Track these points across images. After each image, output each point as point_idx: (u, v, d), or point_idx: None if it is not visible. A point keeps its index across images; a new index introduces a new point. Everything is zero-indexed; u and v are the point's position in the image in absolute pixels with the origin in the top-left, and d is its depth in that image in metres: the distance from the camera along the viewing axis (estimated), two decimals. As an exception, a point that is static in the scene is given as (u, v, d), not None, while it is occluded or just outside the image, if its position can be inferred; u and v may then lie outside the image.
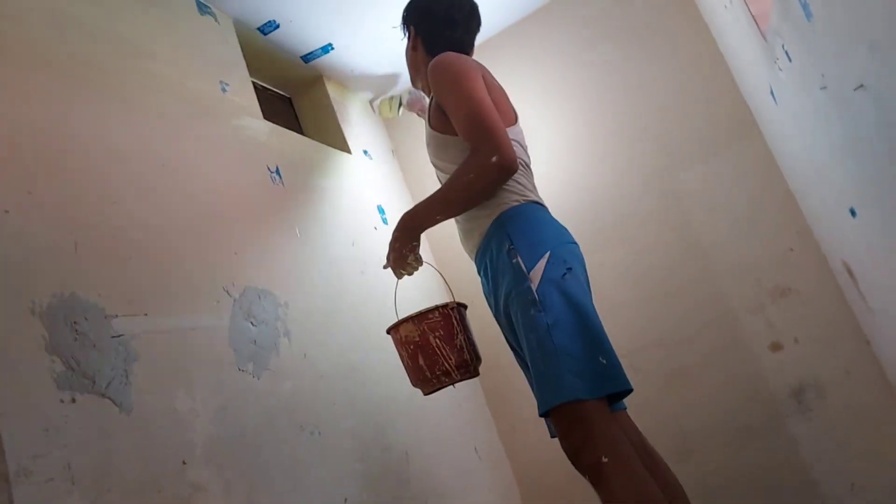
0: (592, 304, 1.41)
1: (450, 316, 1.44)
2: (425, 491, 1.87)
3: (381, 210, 2.48)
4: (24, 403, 0.95)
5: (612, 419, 1.28)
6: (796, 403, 2.20)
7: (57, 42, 1.36)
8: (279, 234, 1.80)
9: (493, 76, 1.60)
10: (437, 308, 1.44)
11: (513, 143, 1.42)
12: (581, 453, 1.25)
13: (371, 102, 2.82)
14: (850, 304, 2.12)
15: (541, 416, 1.32)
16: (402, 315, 1.46)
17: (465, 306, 1.52)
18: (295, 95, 2.58)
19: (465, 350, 1.43)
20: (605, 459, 1.22)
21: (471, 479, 2.17)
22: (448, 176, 1.55)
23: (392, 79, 2.72)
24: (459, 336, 1.43)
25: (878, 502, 2.06)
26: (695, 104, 2.39)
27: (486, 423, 2.49)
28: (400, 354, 1.48)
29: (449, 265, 2.42)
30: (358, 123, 2.65)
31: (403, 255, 1.46)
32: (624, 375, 1.33)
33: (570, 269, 1.38)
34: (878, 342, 2.02)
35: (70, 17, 1.44)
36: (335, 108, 2.52)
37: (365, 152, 2.60)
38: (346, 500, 1.55)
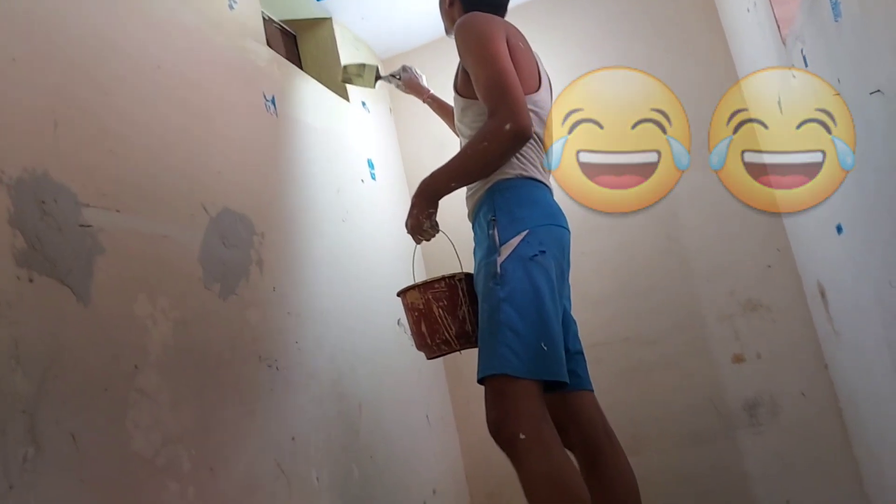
0: (557, 293, 1.40)
1: (456, 287, 1.45)
2: (373, 444, 1.85)
3: (370, 164, 2.44)
4: (-23, 271, 0.90)
5: (540, 403, 1.29)
6: (748, 417, 2.23)
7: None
8: (265, 163, 1.75)
9: (523, 38, 1.56)
10: (443, 278, 1.45)
11: (531, 112, 1.40)
12: (501, 427, 1.27)
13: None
14: (816, 326, 2.15)
15: (478, 382, 1.33)
16: (419, 279, 1.48)
17: (471, 275, 1.51)
18: (301, 33, 2.51)
19: (467, 321, 1.44)
20: (522, 436, 1.23)
21: (418, 442, 2.16)
22: (466, 138, 1.55)
23: (406, 33, 2.66)
24: (463, 307, 1.44)
25: (810, 523, 2.11)
26: (697, 104, 2.39)
27: (441, 392, 2.48)
28: (407, 318, 1.50)
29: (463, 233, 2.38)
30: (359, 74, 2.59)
31: (420, 221, 1.44)
32: (562, 368, 1.33)
33: (542, 251, 1.38)
34: (836, 367, 2.06)
35: None
36: (340, 53, 2.46)
37: (363, 104, 2.55)
38: (293, 438, 1.53)
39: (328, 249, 1.93)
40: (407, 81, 2.22)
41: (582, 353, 1.55)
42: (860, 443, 2.00)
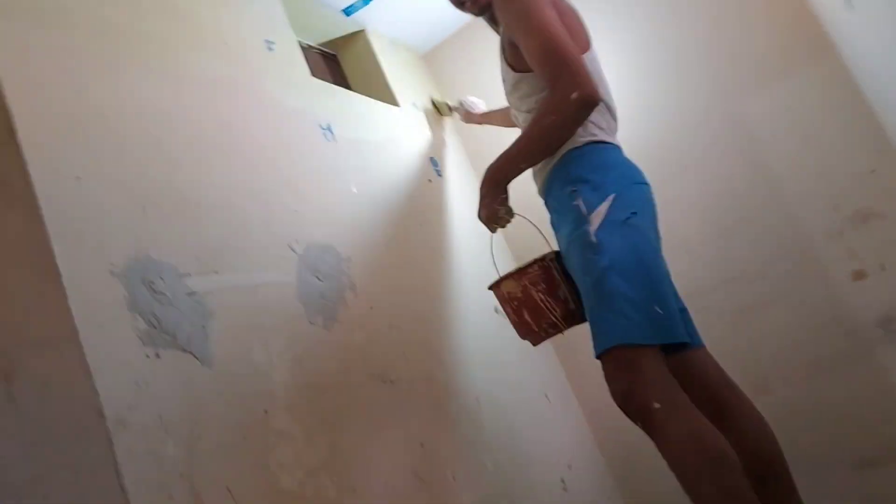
0: (658, 251, 1.35)
1: (549, 268, 1.42)
2: (499, 434, 1.89)
3: (434, 162, 2.45)
4: (114, 359, 0.99)
5: (663, 366, 1.24)
6: (884, 332, 2.09)
7: (98, 13, 1.36)
8: (336, 190, 1.80)
9: None
10: (535, 262, 1.43)
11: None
12: (630, 399, 1.22)
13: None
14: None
15: (596, 358, 1.29)
16: (501, 267, 1.49)
17: (560, 253, 1.50)
18: (340, 52, 2.56)
19: (569, 300, 1.41)
20: (656, 405, 1.18)
21: (543, 422, 2.18)
22: (523, 114, 1.50)
23: (437, 24, 2.65)
24: (562, 287, 1.41)
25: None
26: (758, 22, 2.24)
27: (554, 368, 2.48)
28: (504, 310, 1.49)
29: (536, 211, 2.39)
30: (405, 75, 2.61)
31: (494, 209, 1.43)
32: (680, 328, 1.27)
33: (634, 213, 1.33)
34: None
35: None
36: (380, 61, 2.49)
37: (413, 104, 2.57)
38: (422, 444, 1.58)
39: (412, 256, 1.98)
40: (466, 117, 2.46)
41: (686, 310, 1.50)
42: None
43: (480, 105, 2.46)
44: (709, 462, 1.15)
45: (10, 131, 0.94)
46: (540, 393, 2.26)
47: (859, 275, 2.12)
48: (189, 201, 1.31)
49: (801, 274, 2.18)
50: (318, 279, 1.54)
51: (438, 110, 2.64)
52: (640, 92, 2.40)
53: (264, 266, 1.41)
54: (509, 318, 1.50)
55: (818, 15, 2.12)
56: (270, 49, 1.84)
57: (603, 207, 1.31)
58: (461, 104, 2.49)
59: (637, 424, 1.23)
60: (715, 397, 1.39)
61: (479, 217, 1.49)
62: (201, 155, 1.40)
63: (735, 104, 2.28)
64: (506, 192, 1.45)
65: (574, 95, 1.25)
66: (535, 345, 1.50)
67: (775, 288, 2.20)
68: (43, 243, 0.94)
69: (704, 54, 2.32)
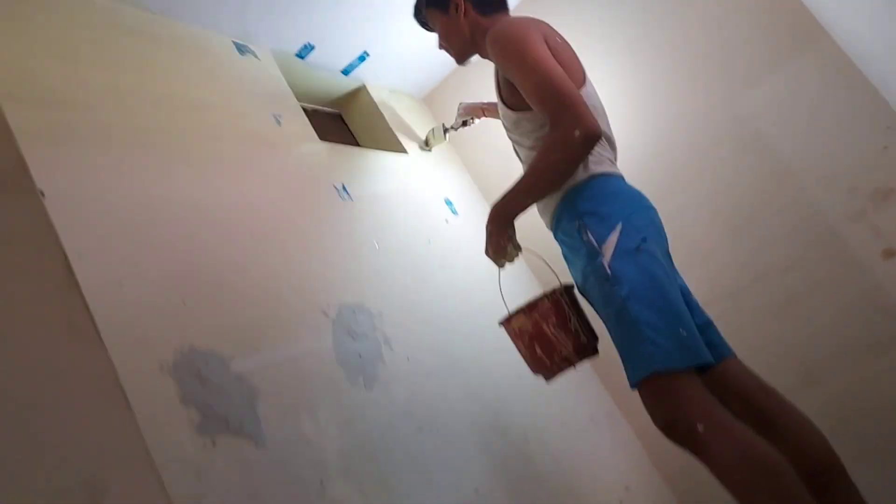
0: (671, 274, 1.36)
1: (559, 301, 1.43)
2: (550, 464, 1.89)
3: (448, 203, 2.50)
4: (174, 452, 1.04)
5: (702, 388, 1.24)
6: (924, 308, 2.06)
7: (121, 117, 1.45)
8: (358, 247, 1.85)
9: (555, 31, 1.52)
10: (545, 296, 1.44)
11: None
12: (674, 425, 1.22)
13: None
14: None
15: (632, 388, 1.30)
16: (510, 305, 1.48)
17: (571, 286, 1.52)
18: (343, 109, 2.64)
19: (580, 333, 1.42)
20: (700, 427, 1.18)
21: (594, 446, 2.17)
22: (526, 149, 1.53)
23: (433, 68, 2.72)
24: (572, 320, 1.42)
25: None
26: (748, 18, 2.26)
27: (597, 390, 2.48)
28: (516, 345, 1.50)
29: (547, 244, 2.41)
30: (408, 121, 2.67)
31: (501, 245, 1.46)
32: (704, 348, 1.28)
33: (644, 238, 1.34)
34: None
35: (126, 91, 1.51)
36: (383, 111, 2.56)
37: (420, 148, 2.63)
38: (476, 490, 1.60)
39: (439, 300, 2.01)
40: (466, 111, 2.37)
41: (711, 322, 1.50)
42: None
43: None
44: (761, 474, 1.15)
45: (69, 271, 1.00)
46: (588, 419, 2.25)
47: (889, 253, 2.10)
48: (224, 285, 1.36)
49: (831, 260, 2.16)
50: (354, 339, 1.58)
51: (432, 142, 2.60)
52: (642, 105, 2.44)
53: (301, 335, 1.45)
54: (521, 354, 1.50)
55: (803, 3, 2.14)
56: (279, 122, 1.91)
57: (613, 237, 1.32)
58: (461, 108, 2.41)
59: (685, 449, 1.23)
60: (757, 407, 1.38)
61: (487, 253, 1.52)
62: (230, 237, 1.47)
63: (735, 101, 2.30)
64: (512, 227, 1.48)
65: (576, 133, 1.28)
66: (548, 380, 1.49)
67: (806, 279, 2.19)
68: (103, 361, 0.99)
69: (698, 56, 2.34)
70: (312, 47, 2.23)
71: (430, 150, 2.64)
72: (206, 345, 1.23)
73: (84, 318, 0.96)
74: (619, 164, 1.57)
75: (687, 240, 2.24)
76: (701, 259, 2.29)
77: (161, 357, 1.13)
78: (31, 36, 1.38)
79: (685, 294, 1.48)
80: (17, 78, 1.26)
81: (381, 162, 2.32)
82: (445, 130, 2.54)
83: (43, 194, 1.07)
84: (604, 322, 1.38)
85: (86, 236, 1.14)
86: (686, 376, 1.24)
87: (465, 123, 2.41)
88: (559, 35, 1.54)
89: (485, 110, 2.34)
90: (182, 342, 1.19)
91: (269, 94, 1.98)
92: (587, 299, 1.46)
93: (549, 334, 1.41)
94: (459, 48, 1.64)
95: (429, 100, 2.93)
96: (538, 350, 1.43)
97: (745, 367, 1.45)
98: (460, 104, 2.40)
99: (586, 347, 1.44)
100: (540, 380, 1.51)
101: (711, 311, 1.55)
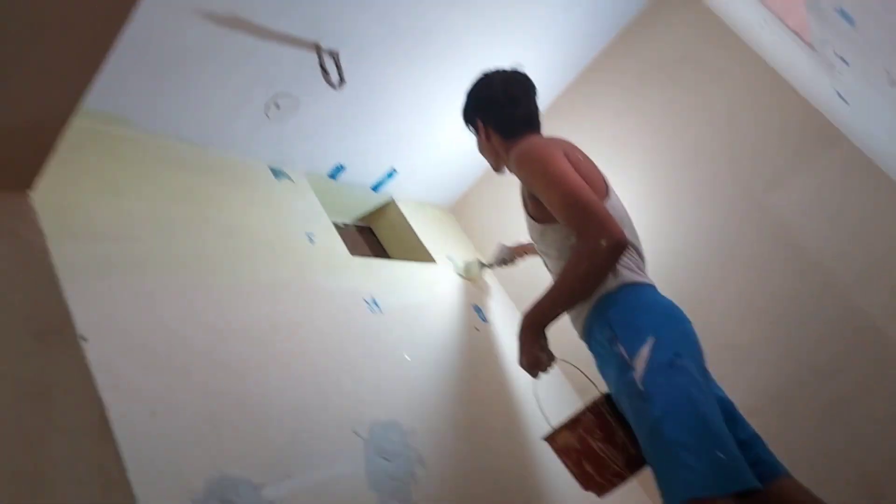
0: (707, 390, 1.31)
1: (602, 413, 1.40)
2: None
3: (477, 309, 2.51)
4: None
5: None
6: None
7: (159, 244, 1.51)
8: (389, 361, 1.85)
9: (576, 147, 1.59)
10: (586, 409, 1.41)
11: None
12: None
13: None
14: None
15: None
16: (549, 414, 1.46)
17: (610, 395, 1.48)
18: (373, 223, 2.72)
19: (627, 445, 1.37)
20: None
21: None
22: (553, 259, 1.56)
23: (459, 178, 2.82)
24: (618, 432, 1.38)
25: None
26: (764, 123, 2.33)
27: (636, 494, 2.35)
28: (563, 462, 1.45)
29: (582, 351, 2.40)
30: (436, 231, 2.74)
31: (535, 355, 1.45)
32: (747, 470, 1.21)
33: (677, 353, 1.30)
34: None
35: (164, 219, 1.58)
36: (411, 223, 2.64)
37: (449, 258, 2.67)
38: None
39: (474, 414, 1.97)
40: (506, 253, 2.45)
41: (757, 437, 1.43)
42: None
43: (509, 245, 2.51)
44: None
45: (104, 422, 1.02)
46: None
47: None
48: (255, 410, 1.36)
49: (878, 361, 2.08)
50: (386, 459, 1.54)
51: (466, 275, 2.61)
52: (666, 213, 2.47)
53: (333, 458, 1.43)
54: (569, 470, 1.44)
55: (820, 109, 2.20)
56: (312, 241, 1.98)
57: (644, 351, 1.29)
58: (500, 250, 2.50)
59: None
60: None
61: (521, 364, 1.50)
62: (261, 360, 1.48)
63: (765, 204, 2.31)
64: (544, 337, 1.47)
65: (604, 243, 1.30)
66: (600, 496, 1.42)
67: (856, 379, 2.10)
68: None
69: (721, 164, 2.39)
70: (343, 167, 2.34)
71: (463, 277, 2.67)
72: (238, 472, 1.22)
73: (118, 469, 0.96)
74: (648, 272, 1.57)
75: (722, 339, 2.19)
76: (738, 358, 2.22)
77: (192, 485, 1.12)
78: (83, 176, 1.48)
79: (727, 408, 1.42)
80: (67, 217, 1.34)
81: (411, 273, 2.36)
82: (482, 266, 2.60)
83: (85, 339, 1.10)
84: (637, 438, 1.33)
85: (122, 372, 1.16)
86: (722, 503, 1.16)
87: (504, 262, 2.49)
88: (580, 151, 1.60)
89: (525, 251, 2.44)
90: (213, 469, 1.18)
91: (302, 214, 2.07)
92: (622, 411, 1.41)
93: (597, 450, 1.37)
94: (492, 162, 1.79)
95: (456, 209, 3.02)
96: (588, 467, 1.38)
97: (800, 485, 1.36)
98: (501, 246, 2.48)
99: (637, 459, 1.37)
100: (591, 495, 1.44)
101: (755, 421, 1.49)
